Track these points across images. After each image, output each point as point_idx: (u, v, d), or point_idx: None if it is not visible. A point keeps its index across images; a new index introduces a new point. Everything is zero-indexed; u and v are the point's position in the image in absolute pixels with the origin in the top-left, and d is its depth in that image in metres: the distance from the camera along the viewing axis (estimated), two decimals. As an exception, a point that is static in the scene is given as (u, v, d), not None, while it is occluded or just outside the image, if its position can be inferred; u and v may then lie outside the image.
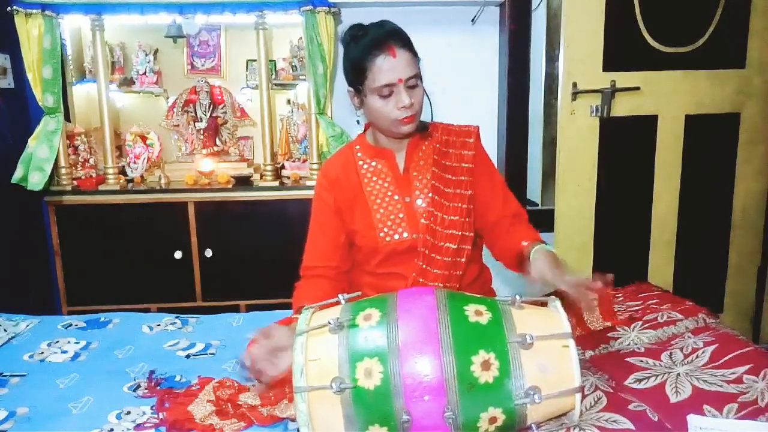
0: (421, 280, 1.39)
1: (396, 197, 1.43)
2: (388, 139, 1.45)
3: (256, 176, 2.59)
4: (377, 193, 1.44)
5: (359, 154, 1.48)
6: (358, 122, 1.50)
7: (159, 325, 1.77)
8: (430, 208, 1.40)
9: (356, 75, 1.37)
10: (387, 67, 1.31)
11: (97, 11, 2.35)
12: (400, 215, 1.42)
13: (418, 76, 1.36)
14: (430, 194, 1.41)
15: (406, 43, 1.36)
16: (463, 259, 1.41)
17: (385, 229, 1.41)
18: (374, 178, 1.45)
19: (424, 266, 1.39)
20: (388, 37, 1.34)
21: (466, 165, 1.42)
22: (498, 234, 1.45)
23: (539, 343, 0.98)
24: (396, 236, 1.41)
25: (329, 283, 1.44)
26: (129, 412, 1.27)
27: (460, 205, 1.40)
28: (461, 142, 1.45)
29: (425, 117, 1.48)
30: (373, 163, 1.46)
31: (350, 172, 1.47)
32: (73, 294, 2.49)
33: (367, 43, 1.34)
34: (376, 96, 1.34)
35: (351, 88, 1.42)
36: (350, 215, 1.45)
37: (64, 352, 1.59)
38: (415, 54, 1.37)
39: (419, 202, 1.42)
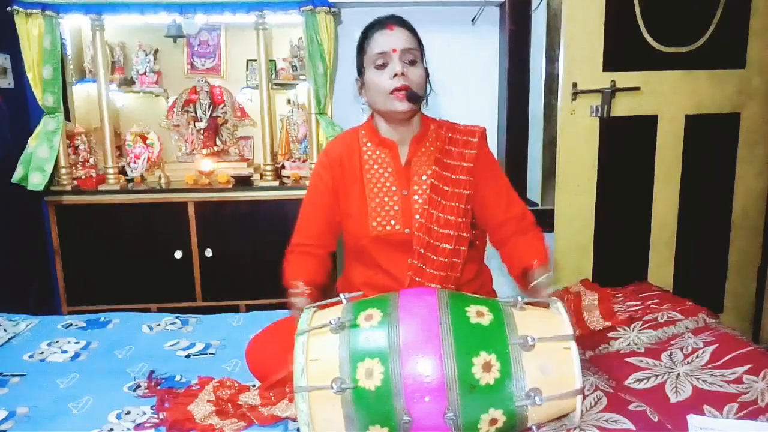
0: (417, 279, 1.39)
1: (394, 188, 1.43)
2: (390, 129, 1.45)
3: (256, 176, 2.59)
4: (375, 181, 1.44)
5: (364, 140, 1.48)
6: (363, 110, 1.50)
7: (159, 325, 1.77)
8: (426, 206, 1.40)
9: (359, 56, 1.43)
10: (382, 39, 1.36)
11: (97, 11, 2.35)
12: (396, 207, 1.42)
13: (416, 53, 1.37)
14: (428, 191, 1.41)
15: (405, 24, 1.40)
16: (460, 260, 1.41)
17: (378, 219, 1.42)
18: (375, 166, 1.45)
19: (419, 265, 1.39)
20: (388, 17, 1.40)
21: (467, 164, 1.42)
22: (504, 236, 1.44)
23: (540, 345, 0.98)
24: (387, 227, 1.41)
25: (317, 262, 1.47)
26: (129, 412, 1.27)
27: (457, 204, 1.40)
28: (464, 141, 1.45)
29: (431, 111, 1.48)
30: (377, 151, 1.47)
31: (353, 156, 1.47)
32: (73, 294, 2.48)
33: (368, 25, 1.42)
34: (372, 68, 1.37)
35: (357, 76, 1.45)
36: (346, 198, 1.46)
37: (64, 352, 1.59)
38: (416, 36, 1.40)
39: (416, 197, 1.42)
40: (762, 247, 2.53)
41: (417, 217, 1.41)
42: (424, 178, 1.43)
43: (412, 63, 1.36)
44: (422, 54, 1.40)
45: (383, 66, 1.36)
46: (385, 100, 1.36)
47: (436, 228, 1.39)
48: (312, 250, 1.48)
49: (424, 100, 1.40)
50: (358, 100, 1.48)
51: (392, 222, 1.41)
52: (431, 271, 1.39)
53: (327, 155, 1.49)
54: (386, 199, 1.43)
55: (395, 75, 1.33)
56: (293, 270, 1.44)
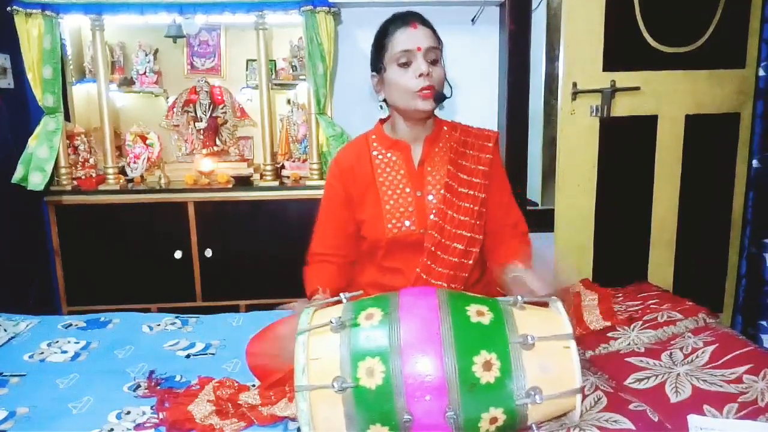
0: (424, 276, 1.39)
1: (407, 190, 1.43)
2: (407, 128, 1.44)
3: (256, 176, 2.59)
4: (389, 184, 1.44)
5: (375, 144, 1.48)
6: (381, 107, 1.49)
7: (159, 325, 1.77)
8: (441, 205, 1.40)
9: (378, 52, 1.40)
10: (406, 37, 1.34)
11: (97, 11, 2.35)
12: (410, 209, 1.42)
13: (438, 52, 1.37)
14: (442, 191, 1.41)
15: (426, 22, 1.38)
16: (470, 262, 1.41)
17: (393, 221, 1.42)
18: (387, 170, 1.45)
19: (429, 263, 1.39)
20: (410, 13, 1.38)
21: (483, 168, 1.42)
22: (496, 243, 1.46)
23: (540, 344, 0.98)
24: (403, 228, 1.41)
25: (336, 269, 1.48)
26: (129, 412, 1.27)
27: (471, 206, 1.40)
28: (480, 145, 1.45)
29: (443, 112, 1.48)
30: (388, 155, 1.46)
31: (363, 162, 1.47)
32: (73, 294, 2.48)
33: (389, 20, 1.39)
34: (394, 66, 1.35)
35: (373, 73, 1.44)
36: (360, 205, 1.46)
37: (64, 352, 1.59)
38: (437, 34, 1.39)
39: (430, 197, 1.42)
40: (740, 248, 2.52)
41: (431, 216, 1.41)
42: (438, 178, 1.43)
43: (435, 62, 1.35)
44: (442, 52, 1.40)
45: (407, 64, 1.34)
46: (409, 99, 1.35)
47: (448, 227, 1.39)
48: (330, 259, 1.49)
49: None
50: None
51: (407, 223, 1.41)
52: (440, 269, 1.39)
53: (338, 165, 1.49)
54: (400, 200, 1.42)
55: (420, 75, 1.32)
56: (312, 279, 1.45)
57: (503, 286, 1.31)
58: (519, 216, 1.50)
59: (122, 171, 2.58)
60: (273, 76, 2.66)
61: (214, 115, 2.70)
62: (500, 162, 1.50)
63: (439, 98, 1.35)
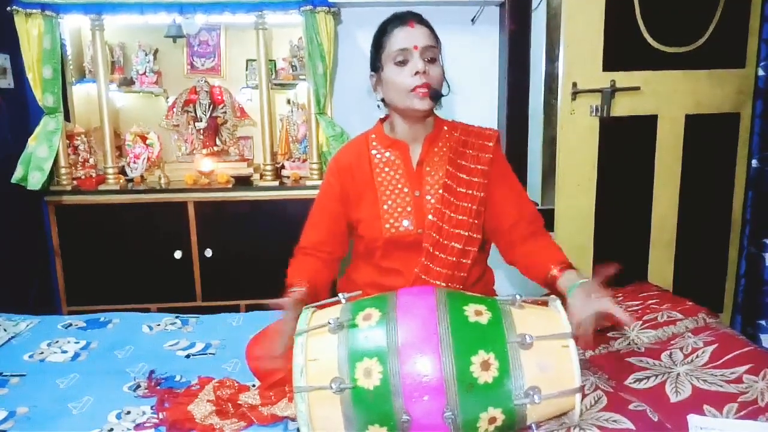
0: (423, 276, 1.39)
1: (406, 190, 1.43)
2: (406, 127, 1.43)
3: (256, 176, 2.59)
4: (387, 183, 1.44)
5: (374, 143, 1.48)
6: (379, 106, 1.49)
7: (159, 325, 1.77)
8: (439, 205, 1.40)
9: (376, 50, 1.41)
10: (403, 35, 1.35)
11: (97, 11, 2.35)
12: (408, 208, 1.42)
13: (436, 51, 1.37)
14: (440, 191, 1.41)
15: (424, 21, 1.39)
16: (468, 261, 1.41)
17: (391, 220, 1.42)
18: (386, 169, 1.45)
19: (427, 263, 1.39)
20: (408, 13, 1.39)
21: (482, 167, 1.42)
22: (514, 239, 1.43)
23: (539, 343, 0.98)
24: (401, 228, 1.41)
25: (320, 264, 1.47)
26: (129, 412, 1.27)
27: (470, 205, 1.40)
28: (480, 144, 1.45)
29: (443, 112, 1.48)
30: (387, 154, 1.46)
31: (362, 161, 1.47)
32: (73, 294, 2.48)
33: (388, 19, 1.40)
34: (391, 65, 1.36)
35: (372, 71, 1.44)
36: (357, 204, 1.46)
37: (64, 352, 1.59)
38: (434, 33, 1.39)
39: (429, 197, 1.42)
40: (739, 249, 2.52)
41: (429, 216, 1.40)
42: (436, 178, 1.42)
43: (432, 61, 1.36)
44: (440, 51, 1.40)
45: (403, 63, 1.34)
46: (405, 97, 1.35)
47: (446, 227, 1.39)
48: (315, 254, 1.48)
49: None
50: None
51: (405, 222, 1.41)
52: (438, 269, 1.39)
53: (336, 163, 1.50)
54: (398, 200, 1.42)
55: (416, 73, 1.32)
56: (293, 271, 1.45)
57: (553, 289, 1.30)
58: (534, 210, 1.48)
59: (122, 171, 2.58)
60: (273, 76, 2.66)
61: (214, 115, 2.70)
62: (504, 160, 1.49)
63: (436, 97, 1.35)
